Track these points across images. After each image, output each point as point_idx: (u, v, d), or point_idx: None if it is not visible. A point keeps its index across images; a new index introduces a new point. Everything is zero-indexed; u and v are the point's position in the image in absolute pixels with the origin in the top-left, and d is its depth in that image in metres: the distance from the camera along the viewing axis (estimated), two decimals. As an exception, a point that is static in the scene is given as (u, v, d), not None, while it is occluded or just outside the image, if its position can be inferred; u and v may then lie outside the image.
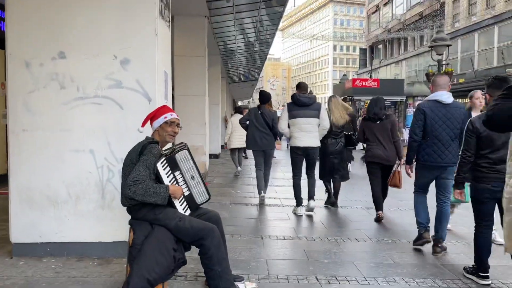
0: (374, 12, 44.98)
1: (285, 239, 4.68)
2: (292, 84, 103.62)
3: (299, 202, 5.90)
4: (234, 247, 4.26)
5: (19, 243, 3.81)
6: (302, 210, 5.86)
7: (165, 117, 3.01)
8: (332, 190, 6.37)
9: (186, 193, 3.02)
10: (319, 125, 5.69)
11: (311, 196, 5.86)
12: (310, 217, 5.78)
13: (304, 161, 5.85)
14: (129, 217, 3.06)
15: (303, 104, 5.65)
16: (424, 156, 4.23)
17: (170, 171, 2.94)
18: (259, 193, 6.62)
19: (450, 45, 13.91)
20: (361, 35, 58.22)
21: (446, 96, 4.18)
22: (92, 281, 3.34)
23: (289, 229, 5.07)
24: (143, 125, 3.12)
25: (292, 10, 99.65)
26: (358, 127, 6.19)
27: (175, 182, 2.95)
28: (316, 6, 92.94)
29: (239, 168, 10.13)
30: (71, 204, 3.81)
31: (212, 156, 12.77)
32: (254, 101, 70.13)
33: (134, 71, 3.76)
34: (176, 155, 2.99)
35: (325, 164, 6.16)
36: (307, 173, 5.93)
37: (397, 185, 5.44)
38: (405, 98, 18.65)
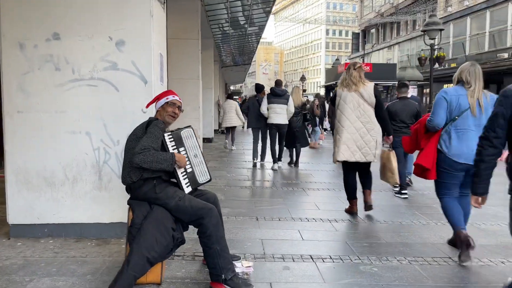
0: (367, -4, 44.69)
1: (279, 220, 4.75)
2: (284, 69, 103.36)
3: (274, 160, 8.43)
4: (230, 228, 4.33)
5: (16, 225, 3.84)
6: (276, 166, 8.32)
7: (167, 98, 3.10)
8: (295, 154, 8.79)
9: (189, 170, 3.09)
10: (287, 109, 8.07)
11: (280, 159, 8.56)
12: (303, 198, 5.88)
13: (278, 134, 8.27)
14: (125, 198, 3.11)
15: (277, 95, 8.05)
16: None
17: (175, 146, 3.03)
18: (253, 159, 8.77)
19: (443, 29, 13.96)
20: (354, 19, 57.96)
21: None
22: (91, 260, 3.39)
23: (283, 211, 5.14)
24: (147, 106, 3.24)
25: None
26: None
27: None
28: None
29: (233, 147, 11.75)
30: (68, 186, 3.83)
31: (205, 140, 12.78)
32: (246, 86, 69.94)
33: (130, 53, 3.75)
34: (182, 132, 3.12)
35: (290, 135, 8.42)
36: (278, 142, 8.42)
37: None
38: (397, 82, 18.70)
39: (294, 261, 3.54)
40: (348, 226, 4.60)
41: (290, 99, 8.05)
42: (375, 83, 4.95)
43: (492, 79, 24.64)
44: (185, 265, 3.38)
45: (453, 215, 3.73)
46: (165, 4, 4.36)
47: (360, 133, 4.77)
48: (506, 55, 23.07)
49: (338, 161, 4.90)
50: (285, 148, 8.77)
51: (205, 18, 9.90)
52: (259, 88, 9.36)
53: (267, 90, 8.97)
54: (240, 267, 3.25)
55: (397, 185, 5.92)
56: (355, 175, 5.06)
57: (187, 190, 3.05)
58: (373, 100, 4.74)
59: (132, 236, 2.80)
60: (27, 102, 3.74)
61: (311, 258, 3.60)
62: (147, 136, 2.85)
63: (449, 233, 4.42)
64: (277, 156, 8.41)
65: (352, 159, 4.80)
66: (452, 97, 3.62)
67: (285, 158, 9.09)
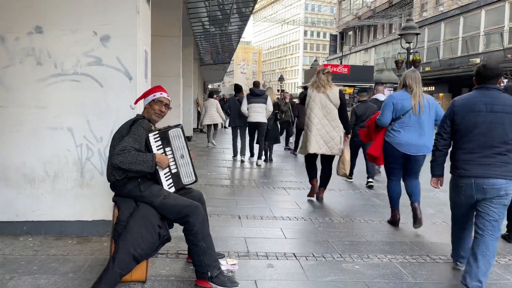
0: (345, -1, 45.30)
1: (262, 218, 4.79)
2: (262, 69, 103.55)
3: (252, 154, 9.19)
4: (212, 227, 4.27)
5: (-6, 222, 3.73)
6: (260, 162, 8.95)
7: (154, 95, 3.05)
8: (269, 152, 9.37)
9: (174, 171, 3.05)
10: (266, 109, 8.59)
11: (259, 156, 9.02)
12: (285, 197, 5.94)
13: (257, 131, 8.83)
14: (109, 195, 3.07)
15: (256, 95, 8.56)
16: None
17: (161, 146, 2.99)
18: (233, 156, 9.49)
19: (419, 33, 14.29)
20: (332, 21, 58.62)
21: None
22: (73, 259, 3.34)
23: (265, 210, 5.18)
24: (136, 102, 3.20)
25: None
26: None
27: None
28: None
29: (213, 143, 12.20)
30: (48, 183, 3.75)
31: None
32: (224, 84, 69.75)
33: (115, 48, 3.70)
34: (170, 131, 3.06)
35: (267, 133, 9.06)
36: (259, 139, 8.90)
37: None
38: (374, 84, 19.05)
39: (277, 259, 3.57)
40: (330, 225, 4.67)
41: (269, 98, 8.64)
42: (340, 88, 6.57)
43: (465, 84, 25.41)
44: (169, 263, 3.37)
45: (392, 197, 4.73)
46: (150, 1, 4.32)
47: (326, 129, 5.39)
48: (478, 60, 23.81)
49: (308, 152, 5.48)
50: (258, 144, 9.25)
51: (186, 15, 9.84)
52: (238, 88, 10.01)
53: (245, 90, 9.45)
54: (224, 265, 3.26)
55: (348, 177, 6.92)
56: (315, 161, 5.74)
57: (170, 191, 3.03)
58: (338, 102, 5.40)
59: (118, 233, 2.77)
60: (7, 96, 3.64)
61: (295, 256, 3.65)
62: (128, 136, 2.80)
63: (426, 231, 4.57)
64: (258, 153, 8.99)
65: (320, 151, 5.45)
66: (397, 100, 4.42)
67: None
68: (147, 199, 2.88)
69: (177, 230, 3.46)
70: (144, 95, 3.12)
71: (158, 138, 2.98)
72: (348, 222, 4.82)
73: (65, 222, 3.80)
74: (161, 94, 3.08)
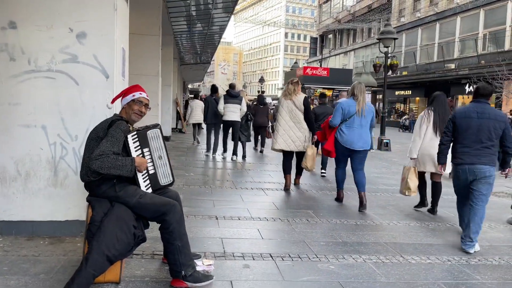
0: (325, 2, 45.81)
1: (239, 219, 4.79)
2: (243, 69, 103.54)
3: (225, 151, 9.91)
4: (189, 227, 4.26)
5: (-39, 222, 3.62)
6: (234, 157, 9.63)
7: (133, 95, 2.99)
8: (242, 150, 9.89)
9: (151, 172, 3.02)
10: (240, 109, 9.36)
11: (234, 152, 9.69)
12: (262, 198, 5.96)
13: (231, 129, 9.54)
14: (84, 195, 3.03)
15: (232, 96, 9.28)
16: None
17: (139, 146, 2.95)
18: (207, 151, 10.22)
19: (397, 38, 14.57)
20: (312, 24, 59.11)
21: None
22: (45, 259, 3.27)
23: (242, 210, 5.18)
24: (112, 101, 3.10)
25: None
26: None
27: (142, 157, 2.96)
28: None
29: (198, 141, 12.45)
30: (20, 182, 3.66)
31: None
32: (205, 85, 69.44)
33: (92, 46, 3.65)
34: (148, 132, 3.01)
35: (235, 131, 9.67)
36: (233, 137, 9.68)
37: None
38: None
39: (254, 259, 3.58)
40: (306, 226, 4.71)
41: (243, 100, 9.47)
42: (305, 96, 6.52)
43: (440, 88, 26.06)
44: (144, 264, 3.34)
45: (338, 180, 5.94)
46: (129, -2, 4.27)
47: (293, 130, 6.39)
48: (453, 66, 24.46)
49: (275, 149, 6.58)
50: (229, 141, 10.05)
51: (166, 14, 9.76)
52: (214, 89, 10.59)
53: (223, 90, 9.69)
54: (200, 265, 3.25)
55: (323, 172, 8.06)
56: (290, 159, 6.63)
57: (148, 191, 3.00)
58: (302, 107, 6.35)
59: (92, 234, 2.72)
60: (-22, 92, 3.54)
61: (271, 256, 3.66)
62: (106, 140, 2.75)
63: (400, 232, 4.66)
64: (233, 149, 9.74)
65: (288, 149, 6.45)
66: (345, 106, 5.55)
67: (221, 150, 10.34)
68: (123, 199, 2.84)
69: (153, 231, 3.44)
70: (122, 94, 3.06)
71: (137, 139, 2.94)
72: (324, 223, 4.87)
73: (37, 222, 3.71)
74: (140, 94, 3.03)
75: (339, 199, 5.97)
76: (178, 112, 17.45)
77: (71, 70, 3.64)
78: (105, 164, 2.67)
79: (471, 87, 22.06)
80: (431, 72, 25.75)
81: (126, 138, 2.84)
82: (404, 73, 29.00)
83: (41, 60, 3.60)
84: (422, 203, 5.78)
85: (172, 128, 15.14)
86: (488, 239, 4.59)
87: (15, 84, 3.58)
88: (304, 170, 6.78)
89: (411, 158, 5.53)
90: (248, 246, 3.90)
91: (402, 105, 31.34)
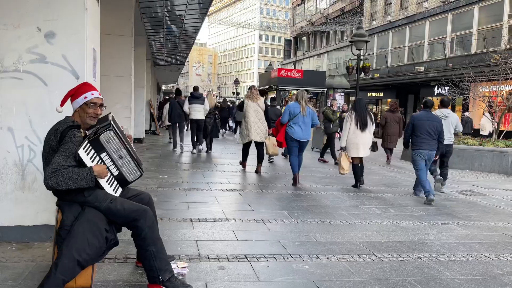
0: (299, 5, 46.23)
1: (214, 221, 4.76)
2: (217, 71, 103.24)
3: (193, 146, 11.21)
4: (163, 230, 4.24)
5: None
6: (195, 151, 11.18)
7: (85, 97, 2.79)
8: (209, 143, 11.64)
9: (116, 173, 2.90)
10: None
11: (200, 144, 11.34)
12: (237, 199, 5.96)
13: (197, 126, 10.97)
14: (53, 199, 2.94)
15: (196, 97, 10.74)
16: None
17: (96, 154, 2.77)
18: (173, 146, 11.80)
19: (369, 41, 14.84)
20: (286, 26, 59.52)
21: None
22: (12, 266, 3.16)
23: (217, 212, 5.16)
24: (61, 104, 2.83)
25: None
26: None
27: (101, 163, 2.81)
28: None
29: (178, 147, 12.07)
30: (-15, 186, 3.53)
31: (136, 140, 12.38)
32: (179, 86, 68.86)
33: (61, 45, 3.56)
34: (101, 136, 2.77)
35: (205, 129, 11.18)
36: (197, 134, 11.11)
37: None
38: (326, 89, 19.56)
39: (229, 261, 3.57)
40: (281, 226, 4.73)
41: (206, 100, 10.85)
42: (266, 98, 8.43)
43: (410, 90, 26.72)
44: (117, 268, 3.28)
45: (293, 166, 7.33)
46: (100, -3, 4.19)
47: (257, 125, 8.28)
48: (422, 69, 25.11)
49: (246, 141, 8.36)
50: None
51: (139, 15, 9.63)
52: (178, 91, 12.70)
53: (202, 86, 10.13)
54: (175, 268, 3.21)
55: (272, 157, 9.97)
56: (249, 147, 8.53)
57: (117, 194, 2.92)
58: (264, 107, 8.40)
59: (61, 239, 2.65)
60: None
61: (246, 257, 3.66)
62: (59, 154, 2.59)
63: (372, 231, 4.74)
64: (195, 143, 11.19)
65: (258, 140, 8.29)
66: (292, 108, 7.35)
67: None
68: (92, 204, 2.76)
69: (126, 234, 3.37)
70: (71, 95, 2.83)
71: (90, 148, 2.75)
72: (299, 223, 4.91)
73: (4, 227, 3.59)
74: (92, 94, 2.82)
75: (295, 180, 7.29)
76: (151, 114, 17.22)
77: (39, 70, 3.54)
78: (61, 181, 2.54)
79: (439, 89, 22.73)
80: (401, 75, 26.36)
81: (78, 154, 2.64)
82: (376, 75, 29.58)
83: (7, 60, 3.49)
84: (357, 183, 7.45)
85: (146, 130, 14.93)
86: (456, 236, 4.74)
87: (-21, 85, 3.45)
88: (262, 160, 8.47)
89: (341, 147, 7.29)
90: (223, 248, 3.88)
91: (374, 107, 31.93)
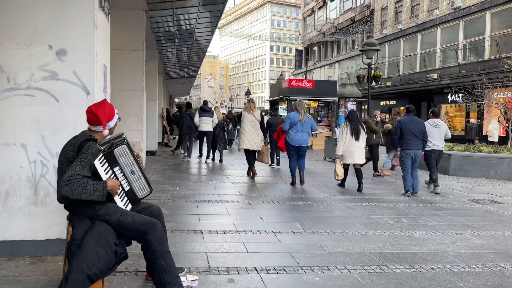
0: (309, 15, 46.42)
1: (224, 233, 4.76)
2: (229, 82, 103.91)
3: (201, 155, 12.03)
4: (174, 242, 4.28)
5: None
6: (203, 160, 11.97)
7: (117, 113, 3.01)
8: (220, 154, 12.29)
9: (127, 188, 2.97)
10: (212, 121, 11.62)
11: (208, 157, 11.97)
12: (248, 211, 5.95)
13: (205, 137, 11.77)
14: (65, 213, 2.98)
15: (205, 111, 11.60)
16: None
17: (109, 167, 2.86)
18: (184, 156, 12.50)
19: (379, 50, 14.79)
20: (297, 37, 59.78)
21: None
22: (25, 280, 3.21)
23: (228, 224, 5.16)
24: (105, 127, 2.94)
25: (230, 9, 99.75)
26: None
27: (114, 178, 2.89)
28: (253, 6, 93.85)
29: (187, 157, 12.72)
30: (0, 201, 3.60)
31: (149, 153, 12.49)
32: (191, 98, 69.47)
33: (72, 62, 3.64)
34: (115, 150, 2.89)
35: (214, 140, 11.95)
36: (207, 144, 11.89)
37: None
38: (337, 99, 19.48)
39: (239, 273, 3.56)
40: (292, 238, 4.71)
41: (214, 114, 11.69)
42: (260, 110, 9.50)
43: (423, 98, 26.48)
44: (127, 281, 3.30)
45: (292, 170, 8.19)
46: (110, 15, 4.29)
47: (253, 135, 8.91)
48: (435, 76, 24.90)
49: (243, 148, 9.04)
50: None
51: (150, 29, 9.79)
52: (189, 105, 13.37)
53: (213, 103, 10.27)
54: (185, 281, 3.22)
55: (271, 163, 10.89)
56: (251, 156, 9.17)
57: (128, 208, 2.97)
58: (259, 119, 9.04)
59: (72, 253, 2.68)
60: (-44, 111, 3.49)
61: (256, 270, 3.65)
62: (76, 164, 2.66)
63: (384, 242, 4.68)
64: (207, 154, 11.94)
65: (251, 148, 8.95)
66: (292, 117, 8.02)
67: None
68: (102, 217, 2.80)
69: (136, 247, 3.39)
70: (107, 118, 2.94)
71: (104, 161, 2.84)
72: (310, 234, 4.87)
73: (17, 241, 3.65)
74: (117, 111, 3.05)
75: (293, 183, 8.17)
76: (164, 126, 17.37)
77: (51, 87, 3.62)
78: (75, 190, 2.59)
79: (453, 96, 22.47)
80: (414, 82, 26.16)
81: (94, 165, 2.73)
82: (388, 83, 29.41)
83: (20, 77, 3.58)
84: (343, 183, 8.26)
85: (159, 142, 15.05)
86: (471, 246, 4.65)
87: (-6, 102, 3.54)
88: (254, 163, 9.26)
89: (337, 155, 7.99)
90: (233, 260, 3.88)
91: (387, 115, 31.69)
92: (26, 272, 3.35)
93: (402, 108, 29.70)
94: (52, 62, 3.61)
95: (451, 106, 24.76)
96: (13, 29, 3.56)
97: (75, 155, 2.76)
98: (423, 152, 7.89)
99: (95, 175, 2.74)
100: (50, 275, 3.32)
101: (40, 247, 3.67)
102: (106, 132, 2.92)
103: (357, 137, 7.78)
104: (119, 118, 3.10)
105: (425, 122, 8.05)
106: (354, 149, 7.78)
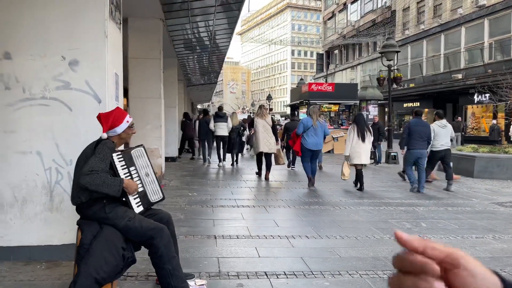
0: (330, 18, 46.21)
1: (238, 238, 4.77)
2: (251, 88, 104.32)
3: (220, 160, 12.30)
4: (187, 247, 4.32)
5: (-40, 249, 3.68)
6: (221, 164, 12.25)
7: (127, 121, 3.09)
8: (235, 157, 12.67)
9: (140, 189, 3.05)
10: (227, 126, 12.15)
11: (223, 159, 12.40)
12: (263, 215, 5.94)
13: (222, 142, 12.27)
14: (78, 219, 3.06)
15: (220, 116, 12.25)
16: None
17: (126, 166, 2.99)
18: (203, 160, 12.85)
19: (399, 51, 14.57)
20: (318, 41, 59.55)
21: None
22: (40, 284, 3.30)
23: (242, 229, 5.17)
24: (104, 131, 3.01)
25: (251, 15, 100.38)
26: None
27: (129, 177, 3.00)
28: (274, 11, 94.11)
29: (207, 161, 13.24)
30: (17, 207, 3.73)
31: (169, 159, 12.66)
32: (214, 104, 70.11)
33: (83, 72, 3.75)
34: (132, 151, 3.09)
35: (229, 144, 12.39)
36: (222, 147, 12.34)
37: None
38: (358, 101, 19.26)
39: (248, 278, 3.56)
40: (305, 242, 4.67)
41: (229, 119, 12.35)
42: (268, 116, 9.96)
43: (448, 99, 25.87)
44: (138, 285, 3.35)
45: (306, 170, 8.48)
46: (121, 24, 4.39)
47: (266, 138, 9.54)
48: (460, 76, 24.32)
49: (256, 152, 9.78)
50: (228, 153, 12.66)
51: (168, 37, 9.95)
52: (205, 111, 14.14)
53: (231, 110, 10.58)
54: (193, 286, 3.25)
55: (284, 163, 10.84)
56: (262, 158, 9.75)
57: (138, 210, 3.03)
58: (271, 124, 9.77)
59: (80, 257, 2.75)
60: (-25, 122, 3.64)
61: (266, 274, 3.64)
62: (95, 156, 2.80)
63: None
64: (221, 157, 12.32)
65: (266, 151, 9.56)
66: (305, 122, 8.45)
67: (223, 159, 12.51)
68: (111, 221, 2.87)
69: (147, 252, 3.45)
70: (111, 123, 3.02)
71: (122, 158, 3.00)
72: (324, 238, 4.83)
73: (34, 247, 3.76)
74: (130, 117, 3.14)
75: (310, 181, 8.42)
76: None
77: (65, 96, 3.74)
78: (95, 181, 2.70)
79: (479, 97, 21.88)
80: (438, 83, 25.63)
81: (112, 157, 2.90)
82: (411, 85, 28.91)
83: (35, 88, 3.71)
84: (356, 184, 8.51)
85: (179, 149, 15.23)
86: (490, 250, 4.50)
87: (10, 112, 3.69)
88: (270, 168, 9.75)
89: (345, 156, 8.45)
90: (244, 265, 3.88)
91: (410, 117, 31.14)
92: (41, 277, 3.44)
93: (426, 110, 29.10)
94: (65, 72, 3.73)
95: (477, 107, 24.11)
96: (28, 41, 3.70)
97: (93, 150, 2.88)
98: (429, 152, 8.44)
99: (112, 169, 2.89)
100: (64, 279, 3.40)
101: (55, 252, 3.78)
102: (104, 135, 2.99)
103: (363, 139, 8.21)
104: (130, 126, 3.15)
105: (433, 124, 8.56)
106: (361, 150, 8.19)
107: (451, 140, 9.08)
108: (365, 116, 9.02)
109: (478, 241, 4.89)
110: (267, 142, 9.51)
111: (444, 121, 8.68)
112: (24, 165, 3.72)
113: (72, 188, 2.95)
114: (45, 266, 3.67)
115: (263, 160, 9.78)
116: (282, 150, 14.81)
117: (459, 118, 22.02)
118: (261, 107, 10.08)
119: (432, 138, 8.27)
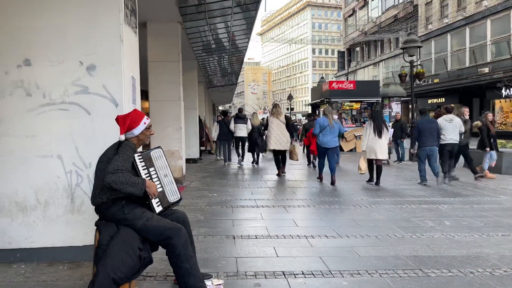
0: (350, 15, 45.70)
1: (256, 238, 4.77)
2: (272, 88, 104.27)
3: (239, 160, 12.79)
4: (206, 247, 4.35)
5: (-13, 250, 3.81)
6: (241, 163, 12.74)
7: (145, 123, 3.15)
8: (256, 157, 12.95)
9: (159, 189, 3.10)
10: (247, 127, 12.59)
11: (243, 159, 12.97)
12: (283, 215, 5.93)
13: (241, 143, 12.92)
14: (98, 220, 3.12)
15: (240, 118, 12.65)
16: None
17: (146, 166, 3.07)
18: (224, 161, 13.16)
19: (421, 46, 14.27)
20: (339, 38, 58.98)
21: None
22: (62, 284, 3.38)
23: (261, 229, 5.17)
24: (121, 132, 3.08)
25: (271, 15, 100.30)
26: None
27: (149, 178, 3.06)
28: (294, 10, 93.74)
29: (220, 157, 14.05)
30: (40, 210, 3.83)
31: (191, 160, 12.79)
32: (235, 105, 70.44)
33: (101, 76, 3.82)
34: (152, 152, 3.18)
35: (251, 143, 12.73)
36: (242, 148, 12.96)
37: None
38: (380, 99, 18.96)
39: (266, 278, 3.56)
40: (324, 242, 4.63)
41: (249, 120, 12.66)
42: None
43: (475, 93, 25.15)
44: (156, 285, 3.39)
45: (320, 168, 9.09)
46: (137, 28, 4.46)
47: (280, 136, 9.88)
48: (486, 70, 23.63)
49: (270, 149, 10.15)
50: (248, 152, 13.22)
51: (187, 40, 10.05)
52: (225, 113, 14.68)
53: (252, 110, 10.93)
54: (210, 285, 3.26)
55: (298, 160, 10.79)
56: (279, 157, 10.14)
57: (158, 209, 3.08)
58: (285, 122, 10.03)
59: (98, 257, 2.81)
60: (-1, 127, 3.77)
61: (284, 274, 3.62)
62: (119, 156, 2.87)
63: (422, 245, 4.50)
64: (241, 157, 12.87)
65: (277, 148, 9.92)
66: (321, 121, 8.76)
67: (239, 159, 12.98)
68: (130, 222, 2.92)
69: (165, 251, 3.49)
70: (128, 125, 3.09)
71: (142, 159, 3.08)
72: (344, 238, 4.77)
73: (57, 248, 3.86)
74: (147, 119, 3.20)
75: (320, 178, 9.08)
76: (206, 134, 17.70)
77: (83, 101, 3.82)
78: (120, 179, 2.77)
79: (507, 91, 21.20)
80: (463, 78, 24.97)
81: (134, 157, 2.98)
82: (436, 80, 28.28)
83: (55, 93, 3.81)
84: (371, 179, 8.82)
85: (201, 150, 15.36)
86: (517, 248, 4.35)
87: (31, 117, 3.80)
88: (284, 163, 10.28)
89: (362, 150, 8.77)
90: (262, 265, 3.88)
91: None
92: (64, 277, 3.53)
93: (452, 105, 28.31)
94: (83, 77, 3.81)
95: (505, 101, 23.37)
96: (47, 48, 3.80)
97: (116, 151, 2.96)
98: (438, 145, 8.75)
99: (133, 169, 2.97)
100: (86, 279, 3.48)
101: (77, 253, 3.87)
102: (122, 137, 3.06)
103: (379, 134, 8.46)
104: (148, 127, 3.20)
105: (439, 119, 8.87)
106: (376, 146, 8.45)
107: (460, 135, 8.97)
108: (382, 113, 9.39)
109: (503, 239, 4.73)
110: (280, 139, 9.86)
111: (451, 116, 8.89)
112: (46, 168, 3.82)
113: (93, 189, 3.02)
114: (68, 267, 3.76)
115: (278, 157, 10.18)
116: (303, 150, 14.96)
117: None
118: (275, 106, 10.38)
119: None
